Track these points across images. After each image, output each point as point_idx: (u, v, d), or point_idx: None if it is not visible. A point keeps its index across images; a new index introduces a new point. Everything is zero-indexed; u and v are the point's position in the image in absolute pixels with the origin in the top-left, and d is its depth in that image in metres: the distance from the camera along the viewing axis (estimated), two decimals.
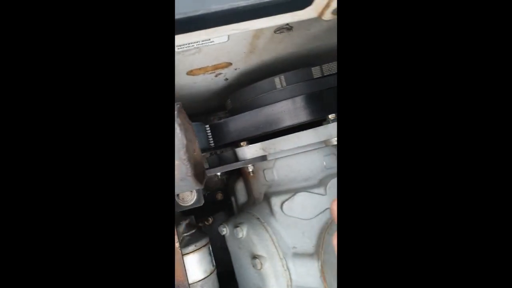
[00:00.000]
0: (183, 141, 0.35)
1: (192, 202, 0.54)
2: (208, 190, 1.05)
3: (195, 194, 0.54)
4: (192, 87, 0.73)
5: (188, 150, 0.43)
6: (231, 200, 0.82)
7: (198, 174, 0.49)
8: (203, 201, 0.55)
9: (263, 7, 0.34)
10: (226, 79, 0.74)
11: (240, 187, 0.75)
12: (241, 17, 0.36)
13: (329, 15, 0.36)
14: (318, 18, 0.38)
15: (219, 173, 0.70)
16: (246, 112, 0.63)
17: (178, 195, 0.53)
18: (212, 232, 1.01)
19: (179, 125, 0.35)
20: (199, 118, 1.21)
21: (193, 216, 0.70)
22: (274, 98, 0.62)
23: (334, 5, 0.34)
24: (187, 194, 0.53)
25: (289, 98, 0.59)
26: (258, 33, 0.51)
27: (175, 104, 0.36)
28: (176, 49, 0.49)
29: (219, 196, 1.01)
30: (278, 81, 0.61)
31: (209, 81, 0.72)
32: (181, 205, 0.53)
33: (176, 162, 0.36)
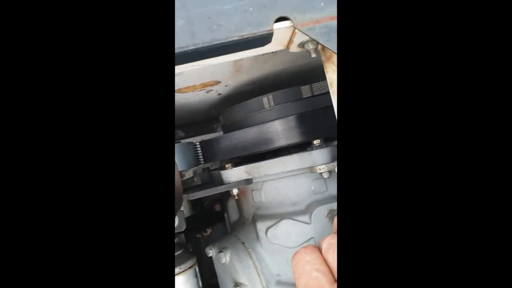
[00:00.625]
0: None
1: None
2: (207, 201, 1.05)
3: (176, 219, 0.53)
4: (185, 103, 0.72)
5: None
6: (224, 216, 0.80)
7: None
8: (184, 226, 0.54)
9: (221, 47, 0.32)
10: (219, 94, 0.72)
11: (232, 204, 0.74)
12: (198, 56, 0.34)
13: (295, 48, 0.34)
14: (286, 50, 0.35)
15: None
16: (235, 132, 0.61)
17: None
18: (210, 243, 1.00)
19: None
20: (200, 126, 1.21)
21: (182, 235, 0.69)
22: (262, 118, 0.60)
23: (298, 40, 0.32)
24: None
25: (276, 119, 0.56)
26: None
27: None
28: None
29: (218, 207, 1.00)
30: (266, 101, 0.59)
31: (201, 97, 0.71)
32: None
33: None
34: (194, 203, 1.02)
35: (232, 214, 0.74)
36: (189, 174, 0.82)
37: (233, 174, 0.56)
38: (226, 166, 0.56)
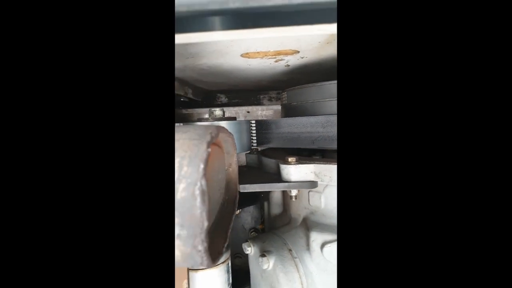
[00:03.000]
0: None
1: None
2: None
3: None
4: (244, 67, 0.61)
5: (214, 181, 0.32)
6: (263, 203, 0.72)
7: (228, 201, 0.38)
8: None
9: None
10: (288, 65, 0.60)
11: (276, 196, 0.64)
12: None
13: None
14: None
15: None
16: (304, 117, 0.49)
17: None
18: (237, 223, 0.94)
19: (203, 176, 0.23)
20: (246, 94, 1.09)
21: None
22: None
23: None
24: None
25: None
26: None
27: (209, 134, 0.25)
28: None
29: None
30: None
31: (266, 65, 0.59)
32: None
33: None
34: None
35: (275, 206, 0.65)
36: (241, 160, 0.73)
37: (296, 172, 0.45)
38: (290, 160, 0.46)
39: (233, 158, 0.39)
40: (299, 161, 0.46)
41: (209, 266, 0.26)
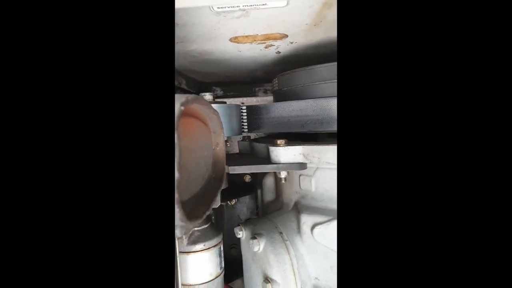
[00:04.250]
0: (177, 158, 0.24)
1: None
2: None
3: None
4: (235, 56, 0.61)
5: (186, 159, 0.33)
6: (257, 192, 0.72)
7: (215, 179, 0.38)
8: (219, 203, 0.45)
9: None
10: (278, 52, 0.60)
11: (269, 182, 0.64)
12: None
13: None
14: None
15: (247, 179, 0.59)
16: (293, 101, 0.50)
17: None
18: (232, 213, 0.94)
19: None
20: (242, 86, 1.09)
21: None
22: (331, 90, 0.48)
23: None
24: None
25: None
26: (330, 0, 0.36)
27: (180, 100, 0.25)
28: (215, 9, 0.36)
29: (247, 178, 0.93)
30: None
31: (257, 52, 0.59)
32: None
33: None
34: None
35: (268, 193, 0.65)
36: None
37: (285, 154, 0.46)
38: (278, 142, 0.46)
39: (220, 138, 0.39)
40: (288, 143, 0.46)
41: (185, 229, 0.26)
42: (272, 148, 0.46)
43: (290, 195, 0.56)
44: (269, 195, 0.65)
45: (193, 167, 0.32)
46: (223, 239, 0.57)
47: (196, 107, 0.31)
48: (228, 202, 0.91)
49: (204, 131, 0.35)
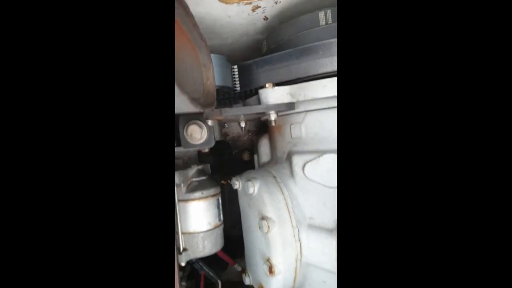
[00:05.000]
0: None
1: (201, 142, 0.47)
2: (235, 149, 0.99)
3: (205, 133, 0.47)
4: (227, 23, 0.65)
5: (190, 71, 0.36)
6: (253, 158, 0.74)
7: (205, 103, 0.41)
8: (213, 142, 0.47)
9: None
10: (266, 18, 0.64)
11: (264, 143, 0.67)
12: None
13: None
14: None
15: (243, 124, 0.62)
16: (277, 53, 0.53)
17: (186, 129, 0.46)
18: (233, 192, 0.95)
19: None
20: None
21: (208, 165, 0.64)
22: (315, 37, 0.51)
23: None
24: (196, 131, 0.46)
25: (333, 39, 0.47)
26: None
27: None
28: None
29: (246, 156, 0.95)
30: (323, 16, 0.50)
31: (246, 18, 0.63)
32: (189, 142, 0.47)
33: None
34: (223, 141, 0.96)
35: (263, 155, 0.67)
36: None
37: (273, 96, 0.48)
38: (267, 85, 0.49)
39: (210, 72, 0.42)
40: (275, 85, 0.49)
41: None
42: (261, 91, 0.49)
43: (283, 147, 0.58)
44: (264, 156, 0.67)
45: (184, 83, 0.34)
46: (224, 220, 0.59)
47: (184, 27, 0.34)
48: (228, 180, 0.93)
49: (189, 52, 0.38)
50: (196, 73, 0.38)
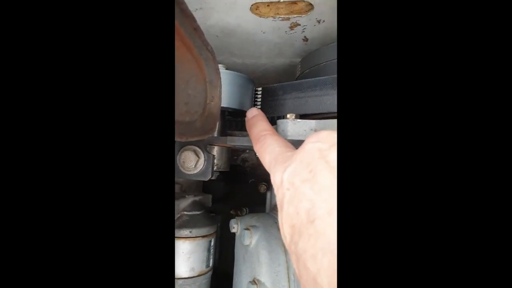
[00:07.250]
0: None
1: (194, 172, 0.38)
2: (253, 178, 0.90)
3: (202, 163, 0.38)
4: (261, 40, 0.57)
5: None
6: (265, 197, 0.64)
7: (202, 129, 0.33)
8: (210, 175, 0.39)
9: None
10: (305, 38, 0.55)
11: None
12: None
13: None
14: None
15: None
16: (310, 79, 0.44)
17: (180, 155, 0.38)
18: None
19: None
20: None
21: (210, 196, 0.55)
22: None
23: None
24: (190, 159, 0.37)
25: None
26: None
27: None
28: None
29: (262, 188, 0.84)
30: None
31: (282, 37, 0.55)
32: (182, 171, 0.38)
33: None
34: (235, 169, 0.88)
35: None
36: None
37: (294, 129, 0.39)
38: (288, 116, 0.40)
39: (216, 91, 0.34)
40: (299, 116, 0.39)
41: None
42: (279, 122, 0.40)
43: None
44: None
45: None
46: (226, 260, 0.49)
47: (183, 33, 0.27)
48: (239, 211, 0.83)
49: (195, 71, 0.30)
50: (195, 91, 0.30)
